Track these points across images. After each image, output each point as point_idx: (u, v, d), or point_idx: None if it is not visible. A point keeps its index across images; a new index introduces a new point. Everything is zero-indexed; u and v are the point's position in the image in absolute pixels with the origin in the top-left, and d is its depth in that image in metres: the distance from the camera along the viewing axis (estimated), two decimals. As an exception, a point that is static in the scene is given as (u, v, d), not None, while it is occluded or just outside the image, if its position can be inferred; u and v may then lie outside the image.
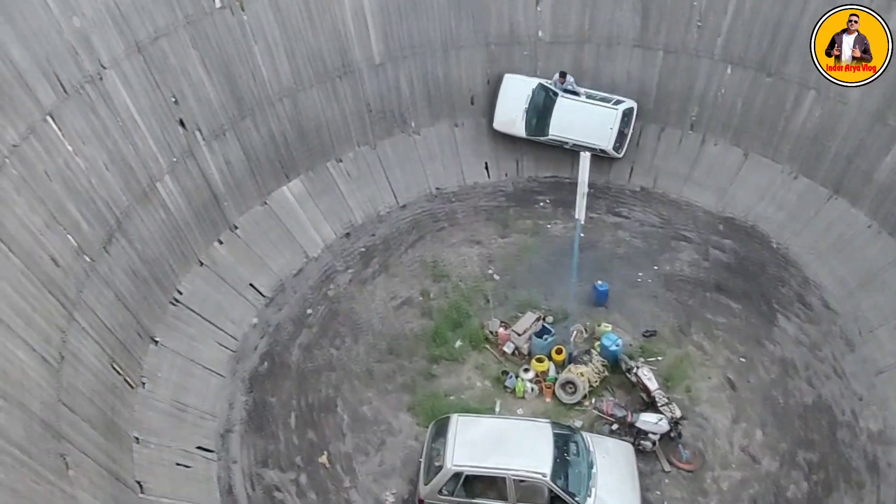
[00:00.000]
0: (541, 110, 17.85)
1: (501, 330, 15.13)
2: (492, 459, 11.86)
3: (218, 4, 14.67)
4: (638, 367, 13.95)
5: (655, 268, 16.55)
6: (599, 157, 17.49)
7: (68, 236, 12.21)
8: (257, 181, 16.47)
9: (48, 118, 12.05)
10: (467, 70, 18.23)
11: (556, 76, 18.03)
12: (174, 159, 14.70)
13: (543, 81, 18.00)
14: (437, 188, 18.45)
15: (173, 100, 14.44)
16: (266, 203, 16.68)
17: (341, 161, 17.71)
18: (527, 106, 17.92)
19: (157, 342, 14.01)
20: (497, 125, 18.38)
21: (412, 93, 18.03)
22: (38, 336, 11.01)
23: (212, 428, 13.91)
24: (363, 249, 17.23)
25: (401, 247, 17.26)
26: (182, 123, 14.71)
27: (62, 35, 12.31)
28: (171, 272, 14.71)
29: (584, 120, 17.60)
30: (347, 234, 17.48)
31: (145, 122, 13.94)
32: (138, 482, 12.08)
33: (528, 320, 15.02)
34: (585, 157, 12.52)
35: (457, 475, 11.78)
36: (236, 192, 16.10)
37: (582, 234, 13.79)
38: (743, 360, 14.75)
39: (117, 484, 11.55)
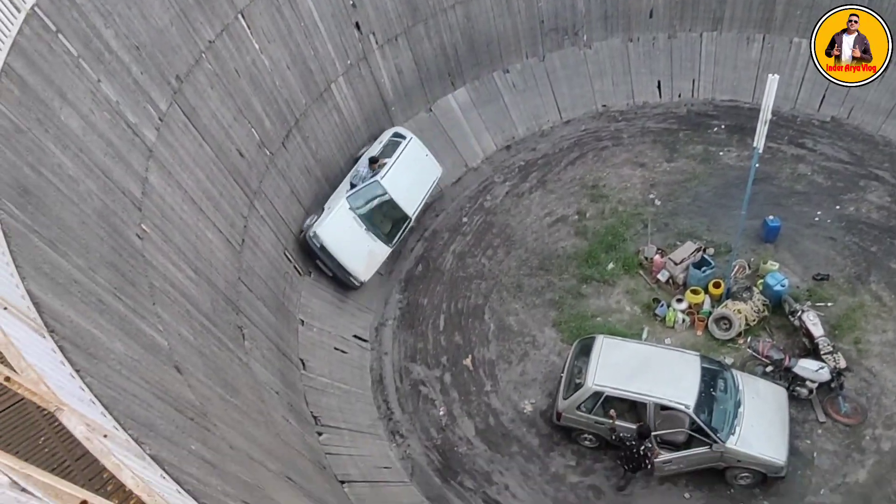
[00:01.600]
0: None
1: (657, 257, 14.71)
2: (634, 384, 11.82)
3: None
4: (803, 311, 13.12)
5: (837, 208, 15.22)
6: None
7: (253, 130, 13.14)
8: (424, 88, 16.72)
9: (240, 17, 12.79)
10: (650, -20, 17.12)
11: None
12: (349, 63, 15.21)
13: None
14: (604, 106, 17.83)
15: (352, 4, 14.79)
16: (431, 110, 16.95)
17: (508, 72, 17.50)
18: None
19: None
20: None
21: (587, 4, 17.25)
22: (224, 220, 12.14)
23: (368, 320, 14.87)
24: (522, 163, 17.18)
25: (560, 163, 17.02)
26: (358, 27, 15.10)
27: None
28: (340, 173, 15.49)
29: None
30: (508, 147, 17.45)
31: (325, 24, 14.44)
32: (301, 360, 13.27)
33: (686, 250, 14.47)
34: (773, 80, 11.48)
35: (597, 394, 11.88)
36: (404, 98, 16.47)
37: (758, 165, 12.85)
38: (928, 316, 13.44)
39: (284, 359, 12.76)
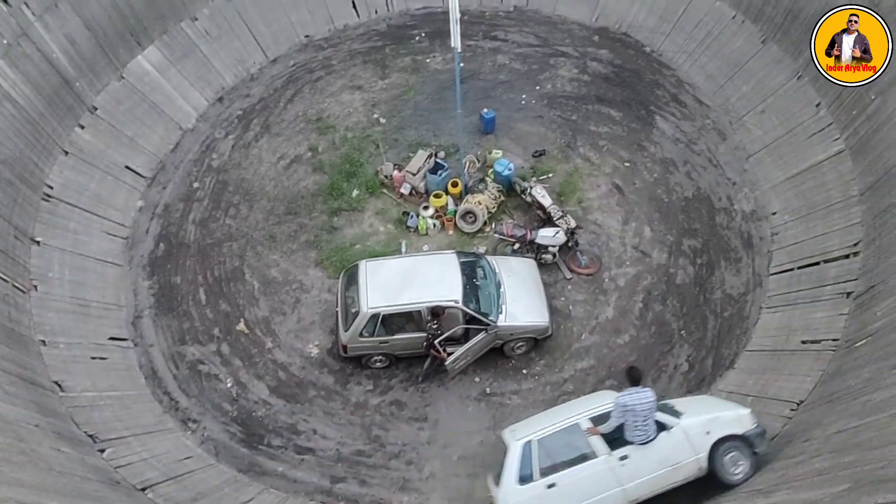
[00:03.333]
0: None
1: (396, 172, 15.13)
2: (405, 296, 12.30)
3: None
4: (531, 187, 14.42)
5: (538, 88, 16.66)
6: None
7: None
8: (107, 54, 15.06)
9: None
10: None
11: None
12: (6, 42, 13.17)
13: None
14: (307, 36, 17.50)
15: (-14, -28, 12.71)
16: (123, 77, 15.40)
17: (196, 19, 16.35)
18: None
19: (38, 242, 13.28)
20: None
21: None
22: None
23: (120, 318, 13.66)
24: (240, 112, 16.45)
25: (279, 104, 16.57)
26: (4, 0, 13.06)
27: None
28: (35, 167, 13.65)
29: None
30: (220, 99, 16.56)
31: (-41, 2, 12.32)
32: (56, 382, 11.91)
33: (420, 159, 15.04)
34: (452, -19, 12.05)
35: (374, 316, 12.19)
36: (87, 70, 14.72)
37: (462, 64, 13.59)
38: (627, 164, 15.45)
39: (33, 388, 11.34)
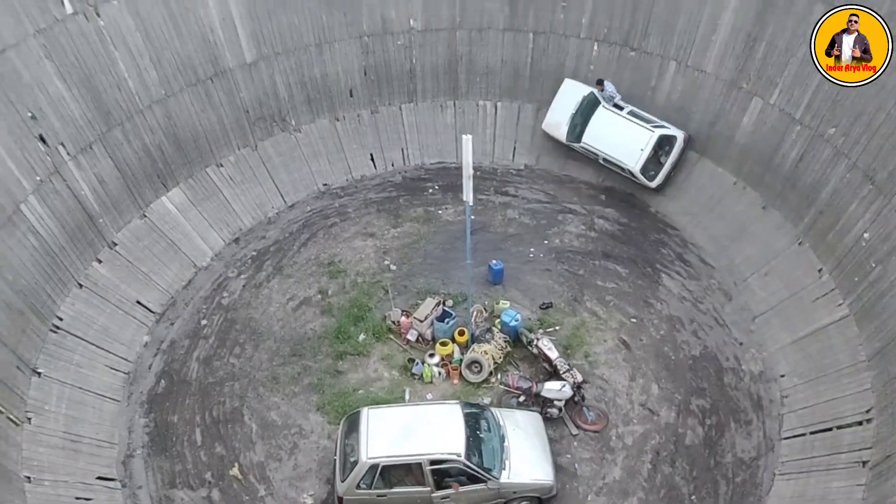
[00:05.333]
0: (584, 118, 17.49)
1: (403, 318, 15.21)
2: (406, 447, 11.94)
3: (69, 10, 13.86)
4: (538, 339, 14.40)
5: (546, 242, 17.10)
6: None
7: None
8: (133, 194, 15.72)
9: None
10: (343, 64, 18.10)
11: (597, 85, 17.79)
12: (39, 179, 13.81)
13: (595, 91, 17.67)
14: (325, 184, 18.27)
15: (31, 116, 13.55)
16: (146, 216, 15.97)
17: (222, 166, 17.20)
18: (574, 112, 17.63)
19: (39, 374, 13.18)
20: (545, 126, 18.28)
21: (289, 90, 17.75)
22: None
23: (111, 456, 13.26)
24: (254, 253, 16.84)
25: (293, 247, 17.00)
26: (43, 139, 13.84)
27: None
28: (48, 298, 13.83)
29: (618, 135, 17.10)
30: (236, 240, 17.03)
31: (2, 142, 13.05)
32: (35, 524, 11.37)
33: (428, 306, 15.17)
34: (467, 140, 12.69)
35: (373, 467, 11.78)
36: (112, 207, 15.32)
37: (472, 217, 14.05)
38: (634, 320, 15.52)
39: (11, 529, 10.82)
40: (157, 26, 15.21)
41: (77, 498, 12.28)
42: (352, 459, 12.05)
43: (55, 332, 13.80)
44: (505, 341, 14.80)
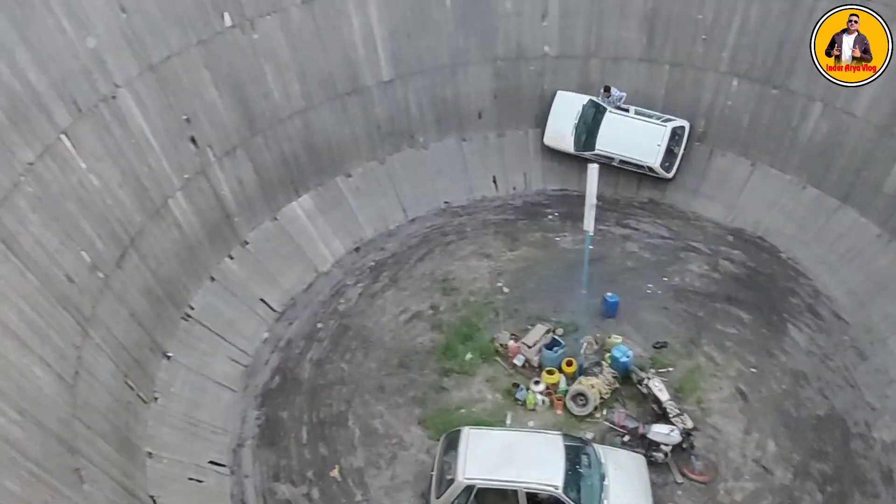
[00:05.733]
0: (590, 126, 17.94)
1: (512, 343, 15.16)
2: (503, 472, 11.85)
3: (228, 23, 14.92)
4: (649, 379, 13.93)
5: (665, 279, 16.56)
6: (642, 173, 17.98)
7: (83, 253, 12.37)
8: (267, 197, 16.66)
9: (63, 137, 12.25)
10: (475, 86, 18.41)
11: (602, 91, 18.12)
12: (186, 177, 14.90)
13: (594, 98, 18.10)
14: (446, 202, 18.57)
15: (185, 119, 14.66)
16: (276, 219, 16.84)
17: (350, 176, 17.88)
18: (576, 122, 18.06)
19: (169, 357, 14.13)
20: (547, 140, 18.59)
21: (421, 109, 18.23)
22: (53, 353, 11.14)
23: (224, 443, 13.98)
24: (373, 264, 17.34)
25: (410, 261, 17.36)
26: (194, 141, 14.93)
27: (77, 56, 12.54)
28: (184, 288, 14.86)
29: (632, 136, 17.64)
30: (357, 249, 17.61)
31: (158, 141, 14.16)
32: (151, 497, 12.13)
33: (538, 332, 15.05)
34: (593, 169, 12.61)
35: (468, 488, 11.77)
36: (247, 208, 16.29)
37: (591, 247, 13.86)
38: (754, 370, 14.70)
39: (131, 499, 11.61)
40: (304, 42, 16.10)
41: (190, 478, 13.02)
42: (448, 477, 12.09)
43: (186, 320, 14.77)
44: (614, 377, 14.42)
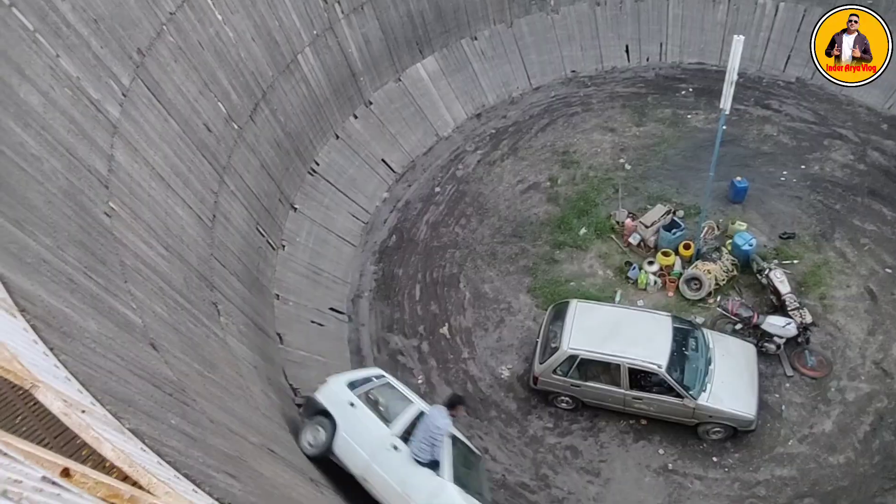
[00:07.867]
0: None
1: (629, 221, 14.88)
2: (608, 346, 12.03)
3: None
4: (770, 269, 13.41)
5: (803, 167, 15.48)
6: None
7: (219, 104, 12.93)
8: (392, 57, 16.57)
9: (201, -13, 12.50)
10: (616, -57, 17.08)
11: None
12: (315, 33, 14.99)
13: None
14: (573, 71, 17.84)
15: (316, -29, 14.55)
16: (400, 80, 16.82)
17: (476, 39, 17.40)
18: None
19: (296, 209, 14.92)
20: None
21: (554, -32, 17.22)
22: (194, 196, 11.99)
23: (343, 293, 14.89)
24: (493, 131, 17.17)
25: (531, 130, 17.06)
26: (323, -5, 14.88)
27: None
28: (310, 144, 15.38)
29: None
30: (478, 115, 17.43)
31: (289, -7, 14.22)
32: (278, 334, 13.27)
33: (657, 213, 14.66)
34: (738, 41, 11.58)
35: (572, 357, 12.09)
36: (372, 67, 16.32)
37: (725, 127, 13.02)
38: (889, 271, 13.81)
39: (261, 334, 12.75)
40: None
41: (312, 321, 14.09)
42: (553, 345, 12.43)
43: (311, 175, 15.42)
44: (732, 264, 13.97)
